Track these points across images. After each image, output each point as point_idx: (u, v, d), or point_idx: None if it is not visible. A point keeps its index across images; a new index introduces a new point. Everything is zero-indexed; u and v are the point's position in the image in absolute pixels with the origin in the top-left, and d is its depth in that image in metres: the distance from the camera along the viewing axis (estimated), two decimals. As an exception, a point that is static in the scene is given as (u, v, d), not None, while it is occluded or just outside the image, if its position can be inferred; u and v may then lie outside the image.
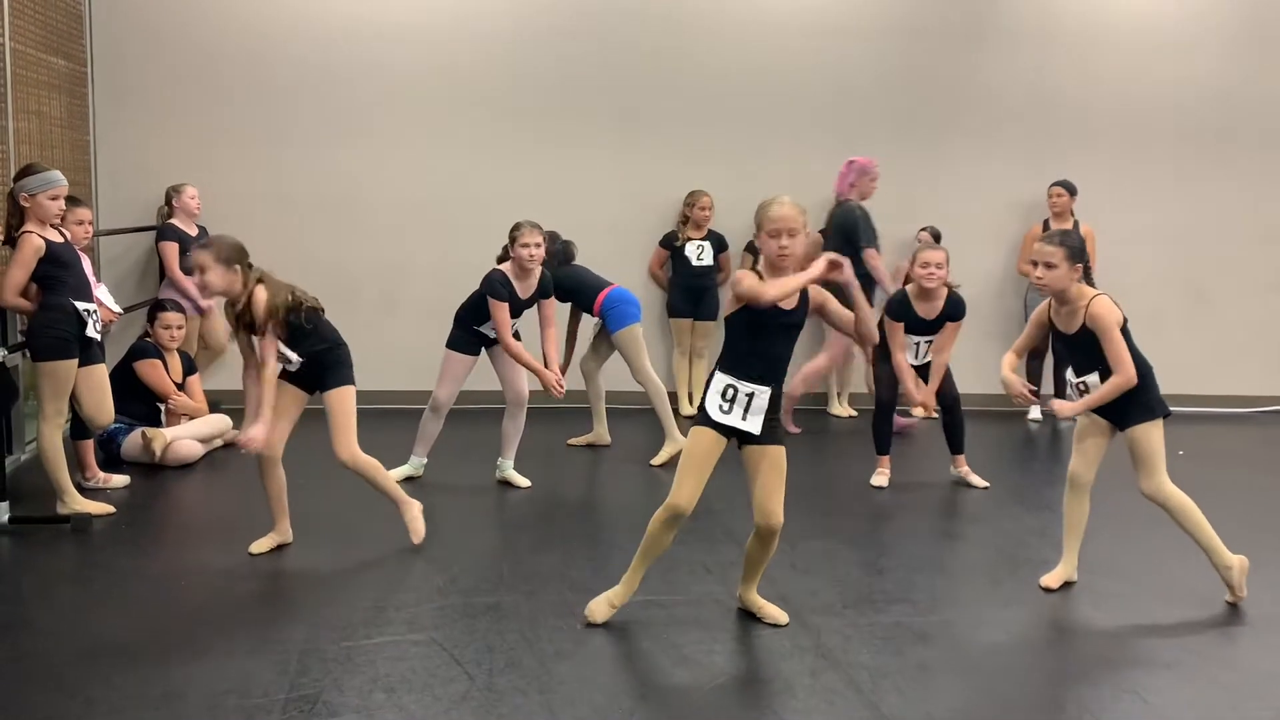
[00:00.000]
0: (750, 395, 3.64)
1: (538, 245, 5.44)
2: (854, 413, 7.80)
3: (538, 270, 5.53)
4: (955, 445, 5.92)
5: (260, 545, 4.58)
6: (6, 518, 4.85)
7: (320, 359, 4.48)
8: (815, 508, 5.62)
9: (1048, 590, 4.35)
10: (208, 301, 7.03)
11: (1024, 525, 5.29)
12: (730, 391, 3.65)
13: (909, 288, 5.77)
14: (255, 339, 4.40)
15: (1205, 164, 8.27)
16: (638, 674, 3.55)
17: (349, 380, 4.53)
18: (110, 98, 7.36)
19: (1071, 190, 7.71)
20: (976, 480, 5.87)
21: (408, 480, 5.71)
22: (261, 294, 4.31)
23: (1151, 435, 4.15)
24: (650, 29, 7.79)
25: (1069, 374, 4.36)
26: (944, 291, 5.71)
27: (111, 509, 5.13)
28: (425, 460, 5.80)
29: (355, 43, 7.57)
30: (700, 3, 7.84)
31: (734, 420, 3.65)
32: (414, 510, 4.76)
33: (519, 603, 4.10)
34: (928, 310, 5.69)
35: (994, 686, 3.55)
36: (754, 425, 3.66)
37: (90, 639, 3.74)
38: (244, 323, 4.36)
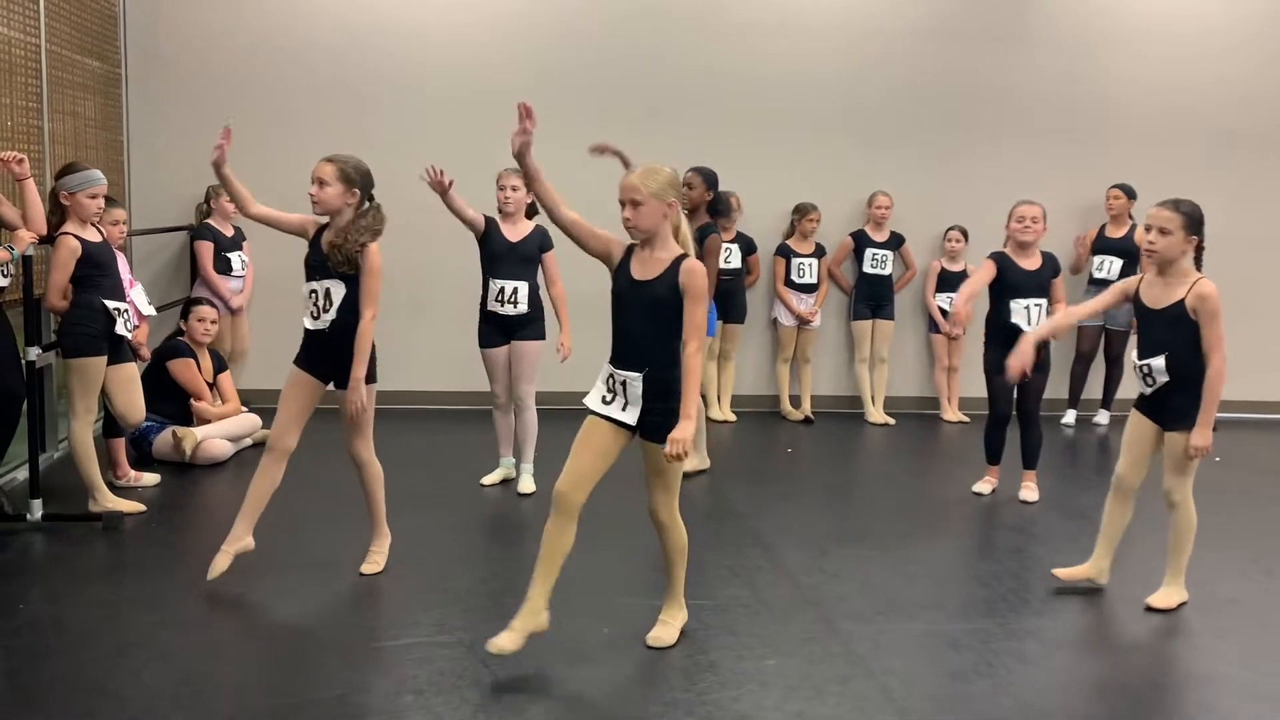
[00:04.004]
0: (624, 383, 3.49)
1: (514, 189, 5.44)
2: (890, 420, 7.72)
3: (519, 215, 5.49)
4: (1029, 460, 5.75)
5: (217, 566, 4.16)
6: (39, 515, 4.89)
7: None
8: (846, 513, 5.58)
9: (1058, 576, 4.36)
10: (239, 301, 7.07)
11: (1058, 532, 5.22)
12: (610, 379, 3.54)
13: (1007, 246, 5.59)
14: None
15: (1243, 169, 8.15)
16: (664, 678, 3.53)
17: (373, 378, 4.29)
18: (143, 99, 7.42)
19: (1130, 194, 7.61)
20: (1028, 494, 5.75)
21: (504, 482, 5.73)
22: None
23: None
24: (675, 31, 7.76)
25: (1132, 357, 4.21)
26: (1038, 252, 5.53)
27: (143, 507, 5.17)
28: (513, 459, 5.77)
29: (386, 44, 7.59)
30: (731, 6, 7.81)
31: (614, 410, 3.52)
32: (383, 544, 4.45)
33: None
34: (1029, 264, 5.48)
35: (1026, 696, 3.50)
36: (630, 416, 3.49)
37: (121, 637, 3.76)
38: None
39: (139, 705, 3.28)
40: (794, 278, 7.76)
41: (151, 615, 3.94)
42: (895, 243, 7.86)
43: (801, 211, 7.73)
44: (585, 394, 3.60)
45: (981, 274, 5.52)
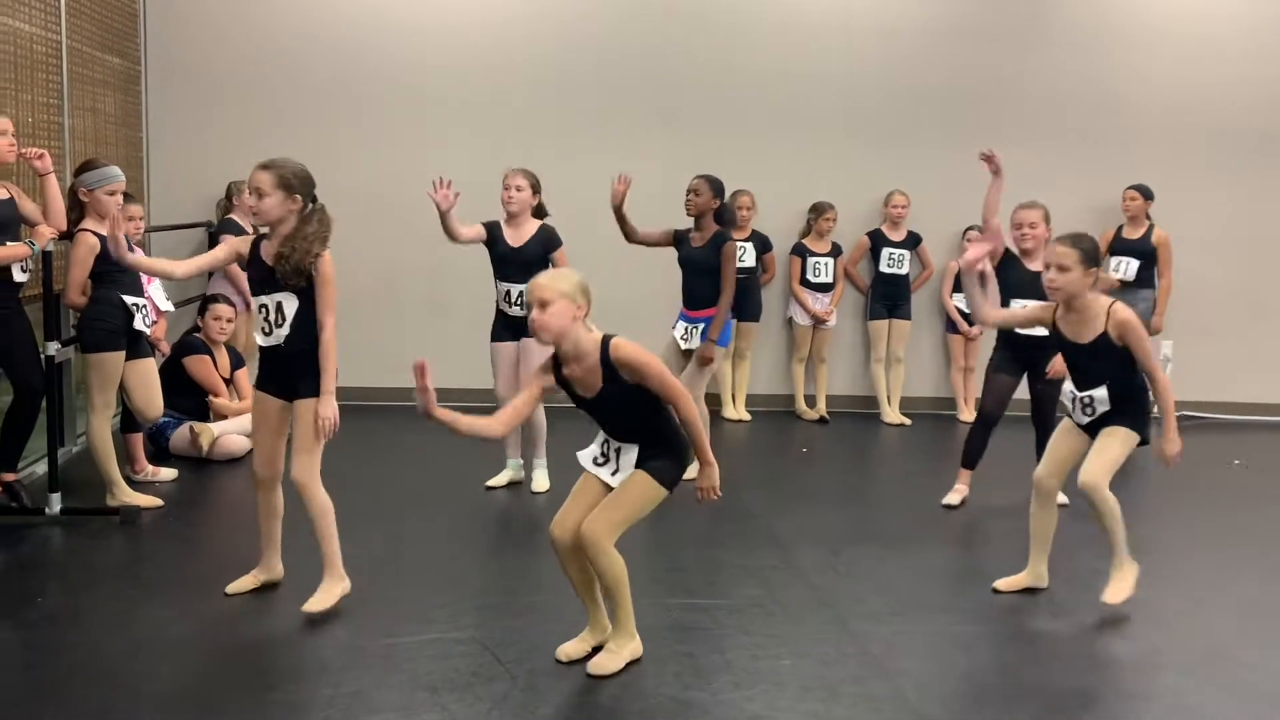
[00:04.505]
0: (619, 450, 3.50)
1: (518, 189, 5.36)
2: (906, 420, 7.69)
3: (524, 217, 5.41)
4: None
5: (240, 584, 4.10)
6: (58, 509, 4.92)
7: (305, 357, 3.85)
8: (861, 513, 5.57)
9: (998, 589, 4.34)
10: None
11: (1076, 534, 5.18)
12: (606, 444, 3.54)
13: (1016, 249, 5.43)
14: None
15: (1261, 169, 8.10)
16: (680, 678, 3.52)
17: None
18: (163, 95, 7.46)
19: (1146, 194, 7.58)
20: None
21: (510, 484, 5.66)
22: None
23: (1125, 443, 4.09)
24: (695, 30, 7.76)
25: (1067, 387, 4.22)
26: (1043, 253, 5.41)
27: (159, 502, 5.19)
28: (519, 461, 5.71)
29: (405, 44, 7.61)
30: (744, 3, 7.80)
31: (604, 474, 3.51)
32: (337, 587, 3.96)
33: (561, 603, 4.06)
34: (1037, 266, 5.22)
35: (1041, 699, 3.48)
36: (613, 479, 3.49)
37: (137, 631, 3.78)
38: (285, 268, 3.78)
39: (155, 698, 3.30)
40: (809, 277, 7.75)
41: (168, 609, 3.96)
42: (912, 242, 7.84)
43: (818, 210, 7.72)
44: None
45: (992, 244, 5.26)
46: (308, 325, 3.82)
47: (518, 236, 5.45)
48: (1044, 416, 5.56)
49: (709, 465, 3.49)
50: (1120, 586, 4.15)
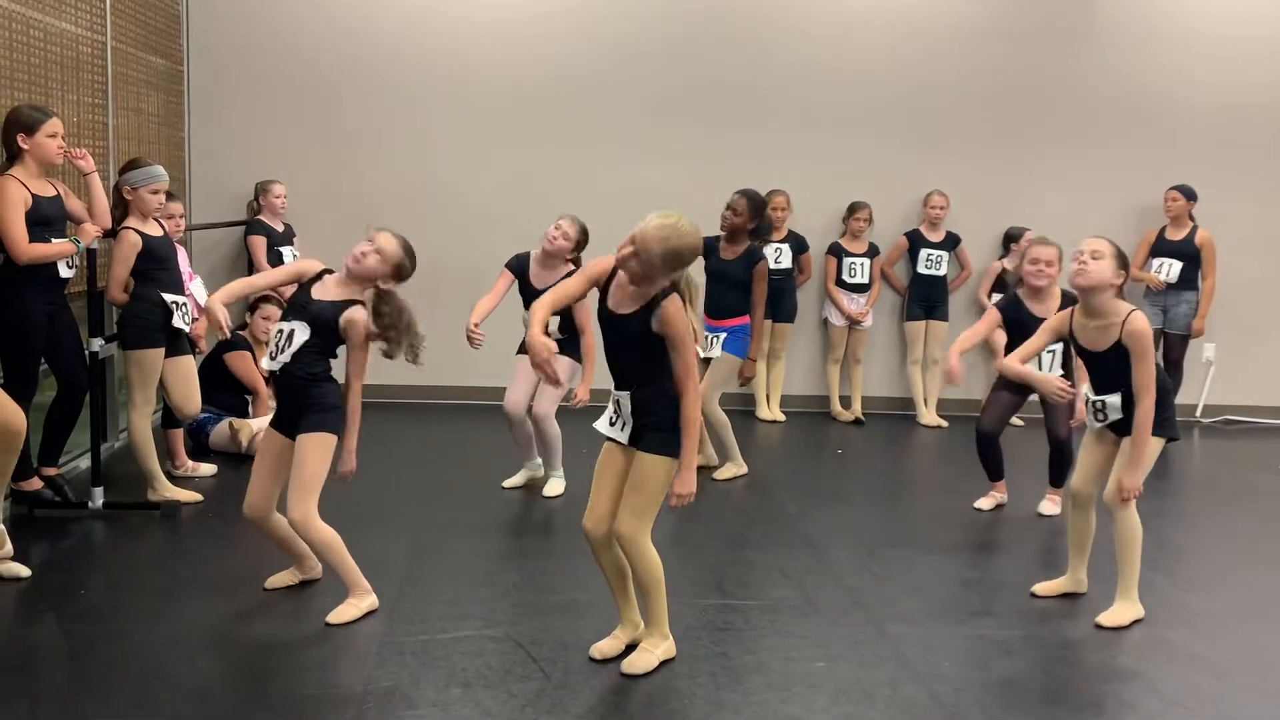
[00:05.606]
0: (618, 401, 3.48)
1: (565, 237, 5.25)
2: (943, 422, 7.63)
3: (558, 260, 5.30)
4: (1057, 478, 5.49)
5: (279, 579, 4.19)
6: (100, 503, 4.99)
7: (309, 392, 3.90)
8: (896, 515, 5.54)
9: (1037, 593, 4.31)
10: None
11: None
12: (616, 405, 3.50)
13: (1020, 289, 5.26)
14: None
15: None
16: (714, 678, 3.52)
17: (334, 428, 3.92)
18: (205, 96, 7.54)
19: (1189, 195, 7.48)
20: (1050, 508, 5.52)
21: (529, 484, 5.64)
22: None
23: (1151, 449, 4.00)
24: (731, 29, 7.74)
25: (1085, 389, 4.17)
26: (1057, 292, 5.13)
27: (199, 497, 5.26)
28: (539, 460, 5.65)
29: (444, 43, 7.65)
30: (782, 2, 7.78)
31: (615, 431, 3.49)
32: (363, 602, 3.93)
33: (595, 600, 4.08)
34: (1043, 310, 5.04)
35: (1076, 704, 3.45)
36: (623, 434, 3.48)
37: (176, 623, 3.83)
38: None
39: (194, 690, 3.34)
40: (845, 277, 7.71)
41: (206, 603, 4.01)
42: (951, 243, 7.77)
43: (851, 210, 7.68)
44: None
45: (983, 323, 5.09)
46: (310, 361, 3.87)
47: (543, 279, 5.28)
48: (1055, 434, 5.41)
49: (687, 470, 3.42)
50: (1120, 612, 4.07)
